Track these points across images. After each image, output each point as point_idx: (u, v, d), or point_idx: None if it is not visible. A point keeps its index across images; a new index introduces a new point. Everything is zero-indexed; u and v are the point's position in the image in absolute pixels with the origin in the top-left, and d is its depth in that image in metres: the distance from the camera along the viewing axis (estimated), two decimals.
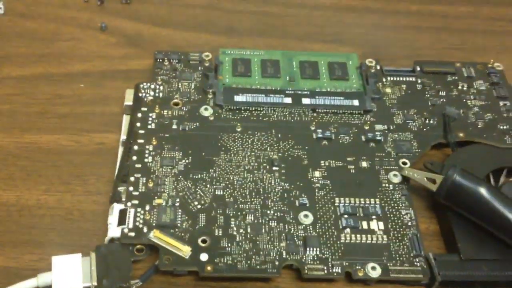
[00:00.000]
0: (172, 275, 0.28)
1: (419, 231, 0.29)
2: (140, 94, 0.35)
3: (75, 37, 0.41)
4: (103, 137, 0.35)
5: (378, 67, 0.38)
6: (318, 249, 0.28)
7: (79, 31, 0.42)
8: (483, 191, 0.28)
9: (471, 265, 0.28)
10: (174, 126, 0.33)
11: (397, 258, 0.28)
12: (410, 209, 0.30)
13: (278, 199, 0.30)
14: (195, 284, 0.28)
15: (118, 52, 0.40)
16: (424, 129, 0.34)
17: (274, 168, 0.32)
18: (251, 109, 0.35)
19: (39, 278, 0.26)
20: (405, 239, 0.29)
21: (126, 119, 0.34)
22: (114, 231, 0.28)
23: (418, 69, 0.38)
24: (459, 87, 0.37)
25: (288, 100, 0.35)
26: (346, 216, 0.30)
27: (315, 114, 0.35)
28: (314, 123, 0.34)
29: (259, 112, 0.35)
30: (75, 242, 0.29)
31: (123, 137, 0.33)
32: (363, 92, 0.36)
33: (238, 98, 0.35)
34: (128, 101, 0.35)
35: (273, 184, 0.31)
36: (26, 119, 0.35)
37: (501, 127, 0.34)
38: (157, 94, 0.35)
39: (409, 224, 0.30)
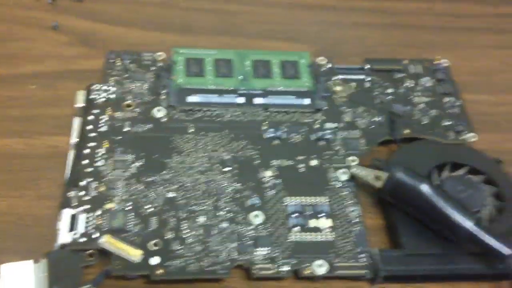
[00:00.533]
0: (124, 279, 0.28)
1: (365, 227, 0.30)
2: (91, 96, 0.35)
3: (26, 37, 0.41)
4: (55, 140, 0.34)
5: (329, 65, 0.38)
6: (267, 248, 0.29)
7: (30, 30, 0.41)
8: (424, 188, 0.29)
9: (413, 260, 0.29)
10: (126, 128, 0.33)
11: (343, 255, 0.29)
12: (357, 205, 0.31)
13: (229, 199, 0.31)
14: None
15: (71, 52, 0.40)
16: (372, 127, 0.35)
17: (226, 168, 0.32)
18: (204, 109, 0.35)
19: None
20: (352, 235, 0.30)
21: (77, 121, 0.34)
22: (64, 236, 0.28)
23: (368, 66, 0.38)
24: (406, 84, 0.38)
25: (241, 99, 0.36)
26: (295, 215, 0.30)
27: (267, 114, 0.35)
28: (266, 122, 0.35)
29: (212, 112, 0.35)
30: (27, 248, 0.29)
31: (74, 140, 0.33)
32: (314, 91, 0.36)
33: (191, 98, 0.35)
34: (80, 103, 0.35)
35: (225, 185, 0.31)
36: None
37: (445, 123, 0.36)
38: (109, 96, 0.35)
39: (356, 220, 0.31)
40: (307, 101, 0.36)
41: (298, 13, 0.45)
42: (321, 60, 0.39)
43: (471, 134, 0.35)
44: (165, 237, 0.29)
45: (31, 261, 0.27)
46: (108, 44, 0.41)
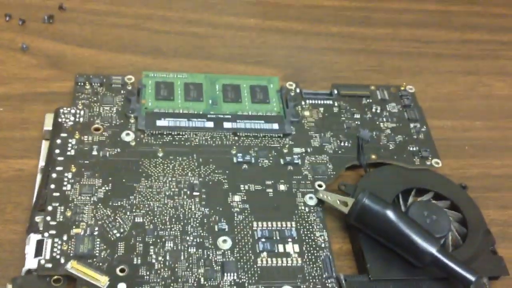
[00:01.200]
0: None
1: (332, 252, 0.31)
2: (60, 119, 0.35)
3: None
4: (22, 163, 0.34)
5: (298, 90, 0.39)
6: (235, 274, 0.29)
7: None
8: (390, 214, 0.30)
9: (379, 286, 0.29)
10: (95, 152, 0.34)
11: (310, 280, 0.30)
12: (324, 231, 0.32)
13: (197, 224, 0.31)
14: None
15: (40, 74, 0.40)
16: (339, 152, 0.36)
17: (195, 193, 0.32)
18: (173, 133, 0.35)
19: None
20: (318, 261, 0.30)
21: (45, 144, 0.34)
22: (30, 262, 0.28)
23: (336, 92, 0.39)
24: (373, 110, 0.39)
25: (210, 124, 0.36)
26: (263, 240, 0.31)
27: (236, 138, 0.36)
28: (234, 147, 0.35)
29: (181, 136, 0.35)
30: None
31: (42, 164, 0.33)
32: (282, 116, 0.37)
33: (160, 122, 0.36)
34: (48, 126, 0.35)
35: (193, 209, 0.32)
36: None
37: (411, 149, 0.37)
38: (77, 119, 0.35)
39: (323, 246, 0.31)
40: (275, 126, 0.36)
41: (267, 37, 0.46)
42: (290, 85, 0.39)
43: (436, 160, 0.36)
44: (133, 263, 0.29)
45: None
46: (77, 67, 0.41)
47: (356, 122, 0.38)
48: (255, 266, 0.30)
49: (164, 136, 0.35)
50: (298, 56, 0.45)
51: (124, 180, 0.32)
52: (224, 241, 0.30)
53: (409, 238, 0.29)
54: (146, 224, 0.31)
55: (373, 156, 0.36)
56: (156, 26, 0.45)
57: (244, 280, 0.29)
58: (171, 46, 0.44)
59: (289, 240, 0.31)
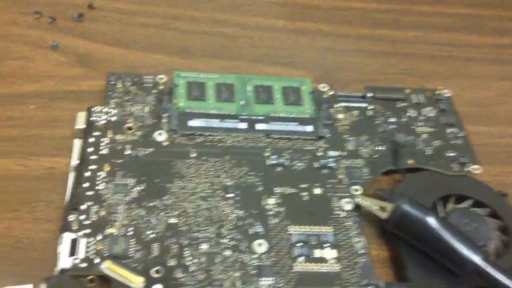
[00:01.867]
0: None
1: (370, 259, 0.30)
2: (92, 118, 0.34)
3: (24, 56, 0.40)
4: (53, 162, 0.34)
5: (331, 93, 0.39)
6: (271, 278, 0.28)
7: (29, 49, 0.41)
8: (431, 221, 0.29)
9: None
10: (127, 152, 0.33)
11: (349, 287, 0.29)
12: (362, 236, 0.31)
13: (232, 227, 0.30)
14: None
15: (69, 72, 0.40)
16: (375, 156, 0.35)
17: (228, 195, 0.32)
18: (205, 134, 0.35)
19: None
20: (357, 267, 0.30)
21: (77, 143, 0.34)
22: (64, 261, 0.28)
23: (369, 95, 0.39)
24: (408, 114, 0.38)
25: (243, 125, 0.36)
26: (299, 244, 0.30)
27: (269, 140, 0.35)
28: (268, 149, 0.35)
29: (213, 137, 0.35)
30: (24, 272, 0.29)
31: (74, 162, 0.32)
32: (316, 118, 0.36)
33: (193, 123, 0.35)
34: (80, 124, 0.35)
35: (227, 212, 0.31)
36: None
37: (449, 154, 0.36)
38: (109, 118, 0.35)
39: (361, 252, 0.30)
40: (309, 128, 0.36)
41: (296, 38, 0.45)
42: (323, 87, 0.39)
43: (476, 166, 0.35)
44: (168, 264, 0.28)
45: (30, 286, 0.26)
46: (107, 65, 0.40)
47: (391, 126, 0.37)
48: (291, 271, 0.29)
49: (197, 136, 0.35)
50: (328, 58, 0.44)
51: (157, 180, 0.32)
52: (260, 244, 0.30)
53: (452, 246, 0.28)
54: (180, 225, 0.30)
55: (410, 161, 0.35)
56: (184, 26, 0.45)
57: (281, 285, 0.28)
58: (199, 46, 0.43)
59: (326, 245, 0.30)
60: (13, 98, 0.37)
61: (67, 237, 0.28)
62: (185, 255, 0.29)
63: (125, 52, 0.42)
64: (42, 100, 0.38)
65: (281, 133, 0.35)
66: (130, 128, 0.34)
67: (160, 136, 0.34)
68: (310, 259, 0.30)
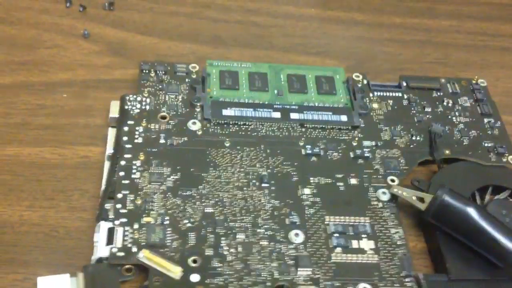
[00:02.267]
0: None
1: (408, 250, 0.30)
2: (126, 106, 0.34)
3: (56, 44, 0.40)
4: (87, 150, 0.34)
5: (365, 82, 0.38)
6: (309, 269, 0.28)
7: (60, 38, 0.41)
8: (471, 211, 0.28)
9: (459, 286, 0.28)
10: (162, 141, 0.33)
11: (388, 279, 0.28)
12: (400, 227, 0.30)
13: (268, 217, 0.30)
14: None
15: (101, 61, 0.40)
16: (411, 146, 0.35)
17: (264, 185, 0.32)
18: (239, 123, 0.35)
19: None
20: (395, 258, 0.29)
21: (111, 132, 0.34)
22: (102, 250, 0.27)
23: (404, 84, 0.38)
24: (444, 104, 0.37)
25: (277, 114, 0.35)
26: (336, 235, 0.30)
27: (303, 129, 0.35)
28: (302, 138, 0.34)
29: (247, 126, 0.35)
30: (60, 261, 0.29)
31: (109, 151, 0.32)
32: (350, 108, 0.36)
33: (226, 112, 0.35)
34: (114, 113, 0.34)
35: (263, 201, 0.31)
36: (6, 130, 0.34)
37: (486, 144, 0.35)
38: (143, 107, 0.35)
39: (399, 243, 0.30)
40: (344, 117, 0.35)
41: (328, 27, 0.45)
42: (357, 76, 0.38)
43: None
44: (204, 254, 0.28)
45: (67, 275, 0.26)
46: (138, 54, 0.40)
47: (428, 116, 0.36)
48: (329, 261, 0.29)
49: (230, 125, 0.34)
50: (360, 47, 0.43)
51: (192, 170, 0.32)
52: (296, 234, 0.29)
53: (492, 237, 0.28)
54: (216, 214, 0.30)
55: (447, 152, 0.34)
56: (216, 15, 0.44)
57: (319, 275, 0.28)
58: (230, 35, 0.43)
59: (364, 236, 0.30)
60: (46, 86, 0.37)
61: (104, 226, 0.28)
62: (222, 245, 0.28)
63: (156, 41, 0.42)
64: (74, 88, 0.38)
65: (316, 123, 0.35)
66: (164, 117, 0.34)
67: (194, 125, 0.34)
68: (347, 249, 0.29)
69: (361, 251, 0.29)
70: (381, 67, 0.42)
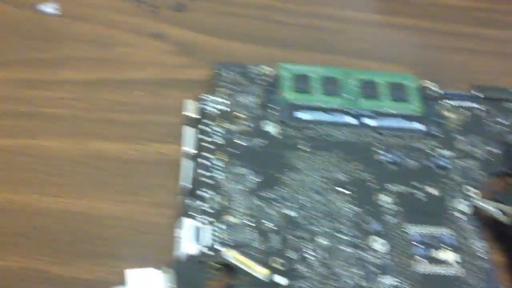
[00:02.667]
0: None
1: (493, 264, 0.29)
2: (202, 106, 0.35)
3: (130, 43, 0.41)
4: (164, 148, 0.34)
5: (438, 90, 0.38)
6: (395, 278, 0.28)
7: (133, 36, 0.41)
8: None
9: None
10: (240, 141, 0.33)
11: None
12: (482, 240, 0.30)
13: (350, 223, 0.30)
14: None
15: (173, 61, 0.40)
16: (489, 157, 0.34)
17: (343, 190, 0.31)
18: (314, 127, 0.35)
19: None
20: (481, 272, 0.29)
21: (187, 130, 0.34)
22: (189, 247, 0.28)
23: (477, 94, 0.38)
24: None
25: (351, 119, 0.35)
26: (418, 244, 0.30)
27: (379, 136, 0.35)
28: (379, 145, 0.34)
29: (322, 131, 0.35)
30: (146, 256, 0.29)
31: (187, 149, 0.33)
32: (425, 116, 0.36)
33: (302, 115, 0.35)
34: (189, 112, 0.35)
35: (343, 207, 0.31)
36: (88, 125, 0.35)
37: None
38: (219, 107, 0.35)
39: (483, 256, 0.29)
40: (419, 125, 0.35)
41: (395, 34, 0.44)
42: (430, 84, 0.38)
43: None
44: (289, 257, 0.28)
45: (155, 269, 0.27)
46: (210, 55, 0.41)
47: (503, 127, 0.36)
48: (413, 271, 0.28)
49: (306, 129, 0.34)
50: (429, 55, 0.43)
51: (271, 172, 0.32)
52: (379, 242, 0.29)
53: None
54: (299, 218, 0.30)
55: None
56: (283, 18, 0.44)
57: (405, 286, 0.28)
58: (298, 39, 0.43)
59: (446, 247, 0.29)
60: (122, 84, 0.38)
61: (189, 223, 0.29)
62: (305, 248, 0.28)
63: (226, 42, 0.42)
64: (148, 87, 0.38)
65: (391, 130, 0.35)
66: (240, 118, 0.34)
67: (270, 127, 0.34)
68: (431, 260, 0.29)
69: (445, 262, 0.29)
70: (451, 76, 0.41)
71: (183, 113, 0.35)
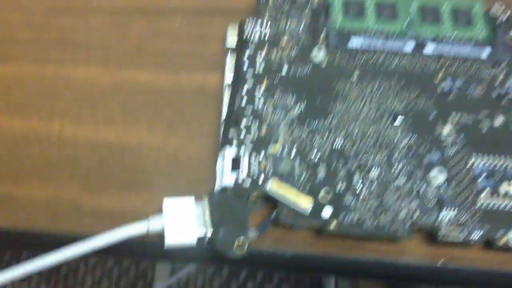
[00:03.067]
0: (288, 230, 0.27)
1: None
2: (245, 33, 0.33)
3: None
4: (204, 77, 0.33)
5: (507, 15, 0.35)
6: (454, 211, 0.26)
7: None
8: None
9: None
10: (284, 69, 0.32)
11: None
12: None
13: (404, 154, 0.28)
14: (313, 241, 0.27)
15: None
16: None
17: (397, 120, 0.30)
18: (368, 54, 0.33)
19: (150, 221, 0.26)
20: None
21: (229, 59, 0.33)
22: (227, 178, 0.27)
23: None
24: None
25: (409, 46, 0.33)
26: (482, 177, 0.28)
27: (439, 63, 0.32)
28: (439, 73, 0.32)
29: (377, 58, 0.33)
30: (182, 187, 0.28)
31: (229, 78, 0.32)
32: (491, 42, 0.33)
33: (353, 42, 0.33)
34: (231, 40, 0.33)
35: (397, 137, 0.29)
36: (122, 54, 0.34)
37: None
38: (263, 34, 0.33)
39: None
40: (484, 53, 0.33)
41: None
42: (497, 8, 0.35)
43: None
44: (336, 188, 0.27)
45: (192, 198, 0.26)
46: None
47: None
48: (475, 205, 0.27)
49: (358, 56, 0.32)
50: None
51: (317, 101, 0.30)
52: (437, 174, 0.28)
53: None
54: (347, 149, 0.28)
55: None
56: None
57: (464, 220, 0.26)
58: None
59: (510, 180, 0.27)
60: (159, 11, 0.37)
61: (228, 153, 0.28)
62: (354, 180, 0.27)
63: None
64: (188, 14, 0.37)
65: (453, 57, 0.32)
66: (285, 45, 0.33)
67: (318, 55, 0.32)
68: (496, 193, 0.27)
69: (508, 195, 0.27)
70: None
71: (225, 41, 0.34)
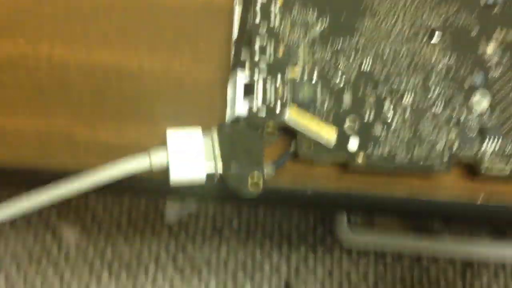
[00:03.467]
0: (308, 164, 0.25)
1: None
2: None
3: None
4: None
5: None
6: (498, 141, 0.24)
7: None
8: None
9: None
10: None
11: None
12: None
13: (442, 77, 0.26)
14: (337, 177, 0.25)
15: None
16: None
17: (435, 39, 0.27)
18: None
19: (151, 153, 0.24)
20: None
21: None
22: (239, 107, 0.25)
23: None
24: None
25: None
26: None
27: None
28: None
29: None
30: (187, 117, 0.27)
31: None
32: None
33: None
34: None
35: (434, 59, 0.27)
36: None
37: None
38: None
39: None
40: None
41: None
42: None
43: None
44: (364, 118, 0.25)
45: (199, 128, 0.24)
46: None
47: None
48: None
49: None
50: None
51: (343, 16, 0.28)
52: (480, 99, 0.25)
53: None
54: (376, 73, 0.26)
55: None
56: None
57: (511, 151, 0.24)
58: None
59: None
60: None
61: (241, 78, 0.25)
62: (385, 108, 0.25)
63: None
64: None
65: None
66: None
67: None
68: None
69: None
70: None
71: None
